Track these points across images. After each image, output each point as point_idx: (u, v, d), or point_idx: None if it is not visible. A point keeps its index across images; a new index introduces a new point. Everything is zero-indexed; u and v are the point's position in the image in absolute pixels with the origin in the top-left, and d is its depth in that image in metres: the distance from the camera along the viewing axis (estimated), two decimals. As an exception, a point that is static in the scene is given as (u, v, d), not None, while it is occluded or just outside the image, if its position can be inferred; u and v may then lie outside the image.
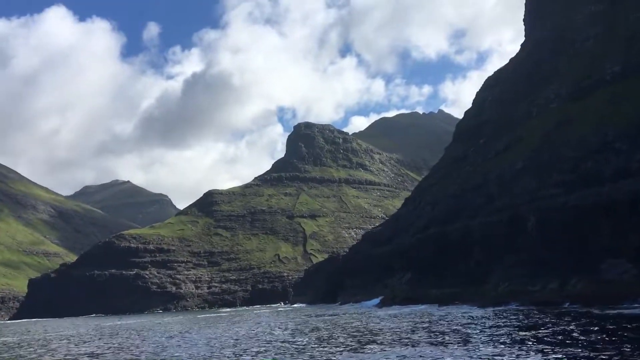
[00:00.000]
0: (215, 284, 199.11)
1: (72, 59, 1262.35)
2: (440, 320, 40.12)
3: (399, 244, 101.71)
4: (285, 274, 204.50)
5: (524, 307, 49.79)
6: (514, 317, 38.78)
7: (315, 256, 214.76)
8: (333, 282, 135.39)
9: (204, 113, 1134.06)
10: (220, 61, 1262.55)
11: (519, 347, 20.73)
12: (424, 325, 35.93)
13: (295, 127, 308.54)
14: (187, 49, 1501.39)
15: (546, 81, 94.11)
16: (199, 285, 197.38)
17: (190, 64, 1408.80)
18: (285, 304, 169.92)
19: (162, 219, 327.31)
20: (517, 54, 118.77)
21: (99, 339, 45.95)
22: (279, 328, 43.40)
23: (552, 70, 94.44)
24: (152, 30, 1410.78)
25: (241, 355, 25.45)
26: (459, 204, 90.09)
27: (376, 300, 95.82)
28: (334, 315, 62.16)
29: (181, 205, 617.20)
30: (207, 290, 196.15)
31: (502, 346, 21.68)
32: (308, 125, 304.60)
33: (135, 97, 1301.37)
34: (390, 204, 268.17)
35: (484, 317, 40.01)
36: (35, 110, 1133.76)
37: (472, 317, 41.15)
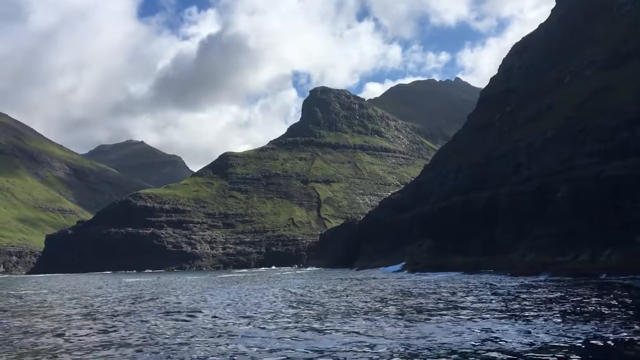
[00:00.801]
0: (230, 245, 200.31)
1: (89, 17, 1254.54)
2: (479, 287, 39.08)
3: (420, 211, 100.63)
4: (299, 238, 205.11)
5: (558, 278, 48.62)
6: (556, 287, 37.70)
7: (329, 221, 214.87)
8: (349, 247, 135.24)
9: (218, 75, 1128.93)
10: (237, 23, 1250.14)
11: (586, 319, 19.63)
12: (469, 291, 34.83)
13: (311, 91, 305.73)
14: (203, 9, 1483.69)
15: (579, 48, 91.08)
16: (214, 245, 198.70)
17: (206, 25, 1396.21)
18: (299, 267, 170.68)
19: (176, 180, 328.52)
20: (547, 19, 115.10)
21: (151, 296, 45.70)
22: (327, 290, 42.52)
23: (586, 36, 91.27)
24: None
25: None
26: (485, 172, 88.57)
27: (396, 267, 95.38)
28: (365, 279, 61.47)
29: (194, 167, 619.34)
30: (222, 251, 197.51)
31: (573, 317, 20.60)
32: (324, 90, 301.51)
33: (151, 58, 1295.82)
34: (405, 172, 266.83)
35: (524, 286, 39.00)
36: (51, 68, 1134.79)
37: (513, 286, 40.11)
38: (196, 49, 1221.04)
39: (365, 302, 29.91)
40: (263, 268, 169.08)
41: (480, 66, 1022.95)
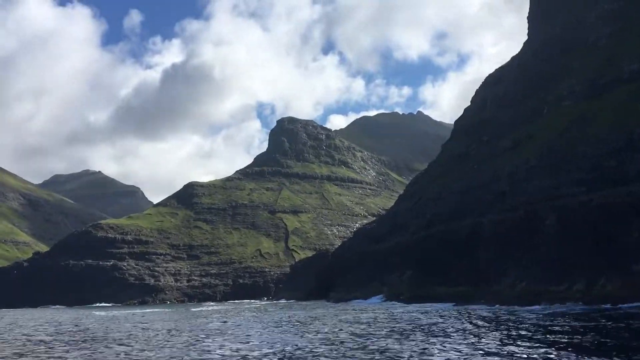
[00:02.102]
0: (195, 277, 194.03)
1: (51, 44, 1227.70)
2: (492, 321, 36.94)
3: (399, 240, 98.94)
4: (267, 270, 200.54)
5: (563, 309, 47.08)
6: (570, 318, 35.98)
7: (297, 252, 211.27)
8: (322, 278, 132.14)
9: (181, 105, 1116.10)
10: (202, 53, 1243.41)
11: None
12: (487, 325, 32.61)
13: (278, 121, 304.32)
14: (168, 39, 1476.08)
15: (557, 79, 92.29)
16: (178, 278, 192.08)
17: (170, 54, 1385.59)
18: (269, 299, 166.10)
19: (134, 211, 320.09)
20: (520, 52, 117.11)
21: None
22: (342, 328, 39.63)
23: (563, 68, 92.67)
24: (134, 18, 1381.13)
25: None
26: (465, 201, 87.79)
27: (375, 298, 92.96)
28: (358, 311, 58.75)
29: (153, 198, 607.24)
30: (187, 284, 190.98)
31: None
32: (291, 120, 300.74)
33: (113, 86, 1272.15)
34: (372, 202, 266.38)
35: (534, 318, 37.13)
36: (9, 95, 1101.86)
37: (522, 318, 38.20)
38: (159, 78, 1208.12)
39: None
40: (232, 301, 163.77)
41: (441, 100, 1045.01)
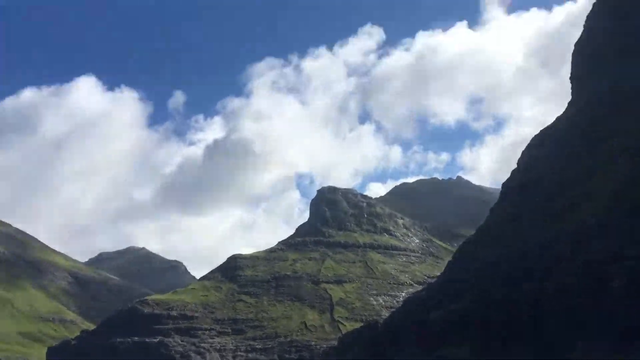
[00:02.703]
0: (241, 353, 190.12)
1: (100, 126, 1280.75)
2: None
3: (453, 309, 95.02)
4: (312, 343, 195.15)
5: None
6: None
7: (343, 324, 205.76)
8: (373, 352, 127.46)
9: (222, 179, 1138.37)
10: (242, 128, 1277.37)
11: None
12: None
13: (318, 191, 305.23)
14: (210, 116, 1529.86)
15: (607, 138, 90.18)
16: (224, 354, 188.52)
17: (212, 131, 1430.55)
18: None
19: (177, 286, 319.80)
20: (565, 112, 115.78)
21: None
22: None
23: (613, 124, 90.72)
24: (178, 98, 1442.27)
25: None
26: (524, 267, 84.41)
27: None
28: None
29: (195, 272, 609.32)
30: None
31: None
32: (332, 190, 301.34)
33: (157, 164, 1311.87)
34: (417, 270, 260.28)
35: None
36: (59, 177, 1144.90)
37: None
38: (201, 154, 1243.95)
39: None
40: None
41: (480, 164, 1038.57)
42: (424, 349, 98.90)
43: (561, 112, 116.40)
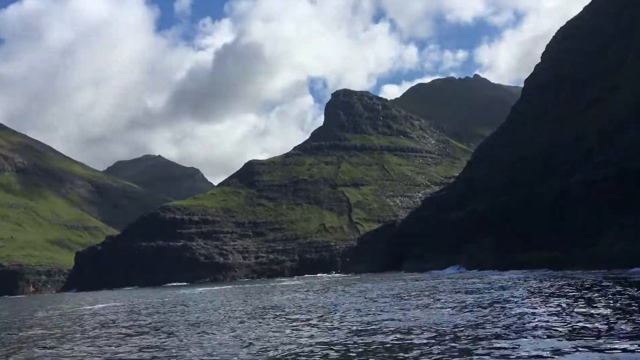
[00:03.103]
0: (262, 255, 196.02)
1: (106, 33, 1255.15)
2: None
3: (475, 208, 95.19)
4: (332, 244, 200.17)
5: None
6: None
7: (362, 225, 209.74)
8: (392, 250, 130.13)
9: (234, 85, 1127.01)
10: (251, 31, 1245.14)
11: None
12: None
13: (333, 94, 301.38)
14: (217, 19, 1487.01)
15: (636, 26, 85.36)
16: (246, 255, 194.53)
17: (221, 34, 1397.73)
18: (337, 273, 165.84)
19: (195, 193, 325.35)
20: (592, 2, 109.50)
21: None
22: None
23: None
24: (184, 1, 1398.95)
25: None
26: (547, 163, 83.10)
27: (452, 268, 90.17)
28: (470, 280, 56.20)
29: (213, 179, 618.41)
30: (255, 261, 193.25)
31: None
32: (346, 93, 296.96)
33: (167, 70, 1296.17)
34: (434, 171, 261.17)
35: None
36: (69, 86, 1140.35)
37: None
38: (212, 59, 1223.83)
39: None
40: (301, 276, 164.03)
41: (498, 62, 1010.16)
42: (445, 246, 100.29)
43: (584, 4, 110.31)
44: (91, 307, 56.90)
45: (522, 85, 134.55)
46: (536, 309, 22.50)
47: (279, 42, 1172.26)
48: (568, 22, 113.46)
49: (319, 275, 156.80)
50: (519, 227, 79.53)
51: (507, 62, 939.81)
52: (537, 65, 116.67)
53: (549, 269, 62.36)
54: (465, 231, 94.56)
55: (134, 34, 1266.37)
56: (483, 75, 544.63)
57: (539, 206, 77.20)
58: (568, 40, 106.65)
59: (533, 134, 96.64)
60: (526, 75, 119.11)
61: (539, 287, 36.29)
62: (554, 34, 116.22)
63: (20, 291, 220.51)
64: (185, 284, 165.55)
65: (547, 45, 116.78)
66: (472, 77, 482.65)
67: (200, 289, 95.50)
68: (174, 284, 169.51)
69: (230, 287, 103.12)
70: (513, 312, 22.02)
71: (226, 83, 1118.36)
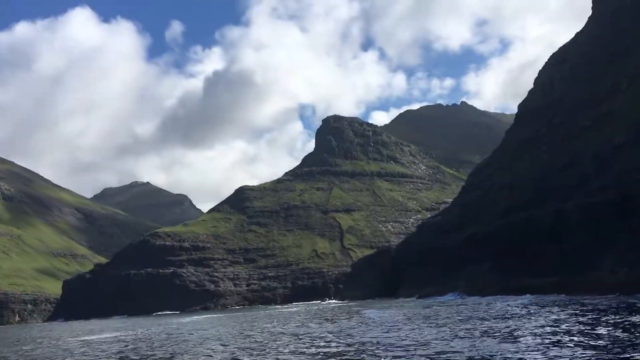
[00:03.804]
0: (254, 281, 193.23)
1: (97, 60, 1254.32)
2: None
3: (473, 232, 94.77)
4: (324, 270, 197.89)
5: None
6: None
7: (354, 251, 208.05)
8: (387, 276, 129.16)
9: (224, 111, 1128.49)
10: (242, 58, 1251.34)
11: None
12: None
13: (323, 120, 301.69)
14: (208, 47, 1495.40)
15: (634, 52, 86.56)
16: (237, 282, 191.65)
17: (211, 62, 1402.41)
18: (330, 300, 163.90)
19: (184, 220, 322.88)
20: (584, 28, 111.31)
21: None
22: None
23: (637, 37, 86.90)
24: (175, 29, 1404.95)
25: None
26: (543, 187, 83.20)
27: (451, 295, 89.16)
28: (475, 308, 55.37)
29: (201, 205, 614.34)
30: (246, 288, 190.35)
31: None
32: (337, 119, 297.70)
33: (158, 97, 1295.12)
34: (424, 197, 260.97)
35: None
36: (58, 113, 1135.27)
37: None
38: (202, 86, 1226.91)
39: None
40: (295, 303, 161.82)
41: (485, 89, 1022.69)
42: (443, 271, 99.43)
43: (571, 32, 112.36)
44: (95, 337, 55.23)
45: (507, 112, 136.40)
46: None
47: (270, 69, 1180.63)
48: (560, 48, 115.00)
49: (315, 302, 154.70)
50: (518, 252, 79.13)
51: (493, 90, 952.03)
52: (530, 90, 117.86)
53: (556, 294, 61.68)
54: (463, 256, 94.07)
55: (125, 61, 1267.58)
56: (470, 102, 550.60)
57: (537, 230, 77.02)
58: (560, 66, 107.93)
59: (528, 159, 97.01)
60: (512, 102, 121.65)
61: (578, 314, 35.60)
62: (547, 60, 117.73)
63: (6, 320, 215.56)
64: (177, 312, 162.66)
65: (540, 71, 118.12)
66: (459, 104, 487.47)
67: (194, 317, 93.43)
68: (165, 312, 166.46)
69: (224, 315, 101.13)
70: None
71: (216, 110, 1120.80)
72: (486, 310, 42.92)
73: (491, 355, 17.84)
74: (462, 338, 24.43)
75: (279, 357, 22.23)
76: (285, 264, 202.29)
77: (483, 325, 29.00)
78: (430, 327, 30.67)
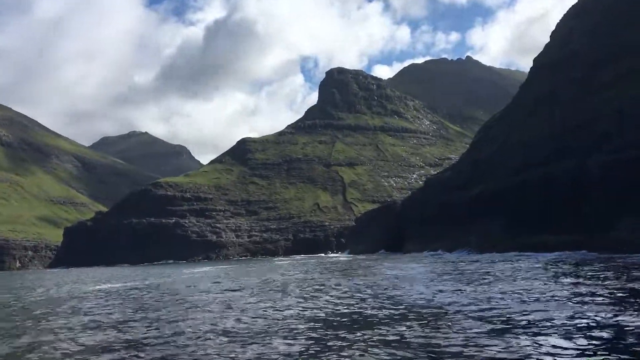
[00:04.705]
0: (256, 233, 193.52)
1: (96, 5, 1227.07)
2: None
3: (486, 188, 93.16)
4: (326, 224, 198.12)
5: None
6: None
7: (356, 205, 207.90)
8: (393, 230, 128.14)
9: (224, 62, 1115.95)
10: (244, 7, 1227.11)
11: None
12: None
13: (327, 72, 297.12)
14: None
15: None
16: (239, 234, 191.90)
17: (212, 10, 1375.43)
18: (332, 253, 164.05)
19: (183, 171, 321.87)
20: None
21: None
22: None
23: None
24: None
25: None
26: (562, 143, 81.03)
27: (461, 251, 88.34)
28: (496, 263, 54.21)
29: (200, 156, 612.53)
30: (248, 239, 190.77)
31: None
32: (341, 71, 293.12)
33: (157, 46, 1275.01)
34: (427, 152, 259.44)
35: None
36: (57, 59, 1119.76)
37: None
38: (202, 35, 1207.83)
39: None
40: (297, 256, 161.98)
41: (491, 43, 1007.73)
42: (452, 227, 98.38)
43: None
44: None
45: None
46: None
47: (272, 19, 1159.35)
48: (580, 0, 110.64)
49: (318, 255, 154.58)
50: (534, 208, 77.64)
51: (499, 45, 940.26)
52: (546, 44, 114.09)
53: (571, 250, 60.51)
54: (473, 212, 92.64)
55: (124, 7, 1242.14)
56: (475, 57, 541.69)
57: (554, 187, 75.31)
58: (581, 18, 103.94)
59: (544, 115, 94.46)
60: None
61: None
62: (565, 12, 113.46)
63: (7, 266, 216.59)
64: (179, 262, 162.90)
65: (557, 24, 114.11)
66: (464, 58, 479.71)
67: (205, 268, 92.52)
68: (167, 261, 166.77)
69: (234, 266, 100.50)
70: None
71: (216, 60, 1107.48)
72: (520, 268, 41.51)
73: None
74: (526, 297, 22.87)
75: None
76: (287, 217, 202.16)
77: (530, 284, 27.48)
78: (471, 285, 29.18)
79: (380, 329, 16.39)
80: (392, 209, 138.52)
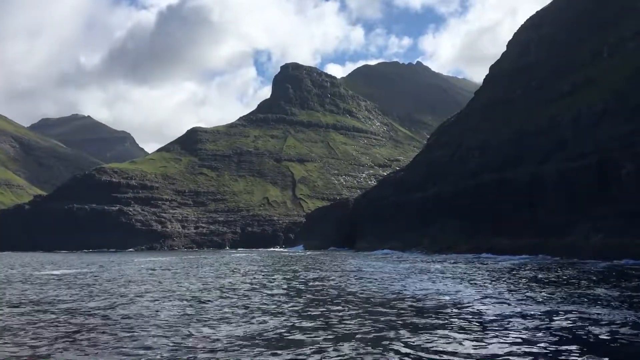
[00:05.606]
0: (203, 225, 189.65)
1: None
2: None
3: (440, 190, 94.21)
4: (275, 218, 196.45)
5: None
6: None
7: (305, 201, 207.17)
8: (344, 228, 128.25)
9: (175, 49, 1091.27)
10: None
11: None
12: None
13: (282, 67, 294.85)
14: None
15: (617, 20, 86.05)
16: (186, 225, 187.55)
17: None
18: (281, 247, 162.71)
19: (126, 158, 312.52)
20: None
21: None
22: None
23: (623, 7, 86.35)
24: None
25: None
26: (518, 149, 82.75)
27: (414, 251, 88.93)
28: (452, 263, 54.18)
29: (145, 144, 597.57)
30: (195, 231, 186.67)
31: None
32: (296, 67, 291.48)
33: (107, 28, 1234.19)
34: (377, 153, 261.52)
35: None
36: (0, 35, 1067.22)
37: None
38: (154, 20, 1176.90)
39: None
40: (244, 249, 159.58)
41: (440, 51, 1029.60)
42: (405, 227, 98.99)
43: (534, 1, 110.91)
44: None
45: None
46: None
47: (227, 9, 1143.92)
48: (537, 12, 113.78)
49: (269, 249, 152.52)
50: (488, 211, 78.95)
51: (448, 52, 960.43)
52: (503, 53, 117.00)
53: (528, 254, 61.65)
54: (428, 213, 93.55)
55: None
56: (425, 63, 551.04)
57: (510, 192, 76.78)
58: (538, 30, 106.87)
59: (500, 121, 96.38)
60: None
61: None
62: (522, 23, 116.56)
63: None
64: (121, 250, 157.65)
65: (515, 34, 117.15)
66: (414, 63, 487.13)
67: (157, 258, 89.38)
68: (109, 250, 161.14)
69: (188, 257, 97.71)
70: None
71: (167, 46, 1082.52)
72: (480, 268, 41.67)
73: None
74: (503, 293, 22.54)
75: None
76: (236, 210, 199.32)
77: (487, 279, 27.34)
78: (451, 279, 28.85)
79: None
80: (344, 206, 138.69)
